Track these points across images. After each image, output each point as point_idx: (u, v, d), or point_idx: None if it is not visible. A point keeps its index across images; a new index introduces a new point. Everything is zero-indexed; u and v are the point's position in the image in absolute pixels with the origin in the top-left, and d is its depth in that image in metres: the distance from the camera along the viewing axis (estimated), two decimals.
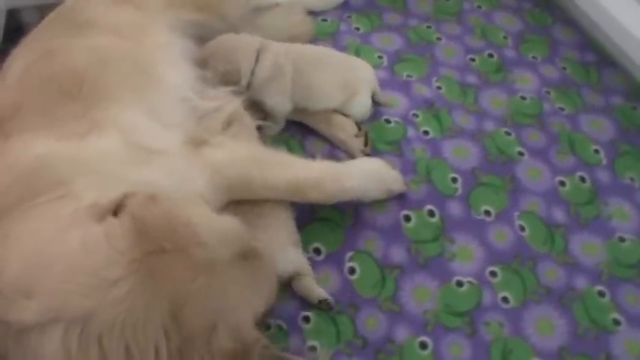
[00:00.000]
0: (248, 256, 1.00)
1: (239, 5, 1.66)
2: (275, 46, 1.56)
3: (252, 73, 1.52)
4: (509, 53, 1.86)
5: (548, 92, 1.75)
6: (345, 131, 1.57)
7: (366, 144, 1.56)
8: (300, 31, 1.77)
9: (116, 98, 1.26)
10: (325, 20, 1.93)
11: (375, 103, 1.65)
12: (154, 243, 0.90)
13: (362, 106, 1.60)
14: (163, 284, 0.88)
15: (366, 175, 1.40)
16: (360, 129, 1.57)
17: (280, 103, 1.54)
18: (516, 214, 1.47)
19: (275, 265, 1.15)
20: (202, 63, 1.52)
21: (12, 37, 1.43)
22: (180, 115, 1.34)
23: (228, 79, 1.50)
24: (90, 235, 0.93)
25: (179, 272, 0.89)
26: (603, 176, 1.56)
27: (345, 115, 1.60)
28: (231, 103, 1.41)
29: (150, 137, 1.21)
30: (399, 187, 1.45)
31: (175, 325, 0.87)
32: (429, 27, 1.93)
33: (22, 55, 1.34)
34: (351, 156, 1.54)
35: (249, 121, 1.42)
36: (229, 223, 1.01)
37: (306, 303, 1.28)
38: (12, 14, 1.70)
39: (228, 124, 1.38)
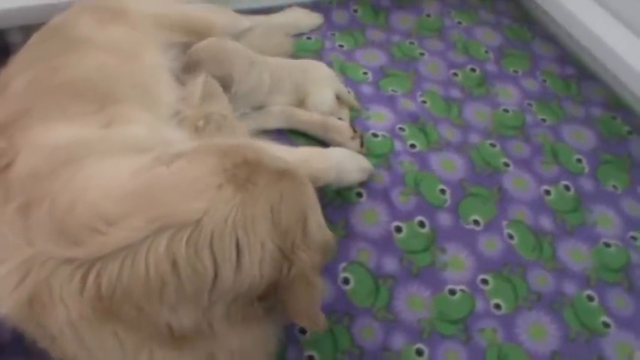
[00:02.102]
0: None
1: (225, 31, 1.69)
2: (261, 58, 1.61)
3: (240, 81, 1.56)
4: (491, 67, 1.91)
5: (530, 104, 1.79)
6: (342, 134, 1.61)
7: (362, 145, 1.59)
8: (279, 51, 1.79)
9: (128, 103, 1.28)
10: (309, 38, 1.96)
11: (341, 101, 1.71)
12: (236, 155, 0.95)
13: (318, 105, 1.67)
14: (257, 186, 0.93)
15: (342, 155, 1.50)
16: (355, 131, 1.60)
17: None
18: (505, 222, 1.50)
19: None
20: (192, 66, 1.53)
21: None
22: (175, 128, 1.36)
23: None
24: (172, 165, 0.95)
25: (265, 176, 0.95)
26: (587, 184, 1.60)
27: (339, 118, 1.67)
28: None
29: (167, 133, 1.24)
30: (367, 165, 1.54)
31: (275, 223, 0.92)
32: (411, 43, 1.96)
33: (18, 71, 1.33)
34: None
35: (241, 127, 1.46)
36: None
37: None
38: None
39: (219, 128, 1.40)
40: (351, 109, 1.73)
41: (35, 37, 1.46)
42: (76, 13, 1.50)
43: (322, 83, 1.71)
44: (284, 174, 0.98)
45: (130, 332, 0.90)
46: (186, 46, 1.58)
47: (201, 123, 1.38)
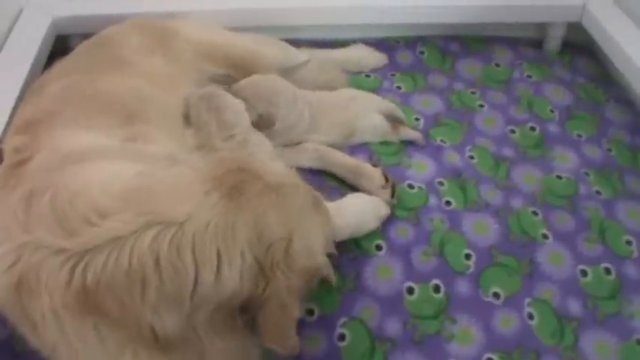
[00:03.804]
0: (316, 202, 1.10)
1: (276, 65, 1.68)
2: (302, 93, 1.61)
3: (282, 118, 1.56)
4: (553, 128, 1.79)
5: (587, 174, 1.67)
6: (373, 182, 1.56)
7: (392, 195, 1.54)
8: (331, 87, 1.77)
9: (155, 127, 1.32)
10: (368, 76, 1.93)
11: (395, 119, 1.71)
12: (232, 163, 0.99)
13: (370, 135, 1.70)
14: (245, 196, 0.94)
15: (360, 207, 1.46)
16: (387, 180, 1.55)
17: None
18: (527, 300, 1.40)
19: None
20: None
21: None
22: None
23: (261, 121, 1.54)
24: (171, 170, 1.00)
25: (256, 187, 0.96)
26: (631, 271, 1.47)
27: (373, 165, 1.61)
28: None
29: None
30: (385, 212, 1.49)
31: (256, 234, 0.93)
32: (473, 93, 1.89)
33: (58, 76, 1.40)
34: None
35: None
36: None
37: None
38: (60, 39, 1.82)
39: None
40: (402, 123, 1.72)
41: (83, 46, 1.53)
42: (128, 29, 1.56)
43: (367, 111, 1.69)
44: (279, 188, 0.99)
45: (113, 329, 0.91)
46: (226, 77, 1.59)
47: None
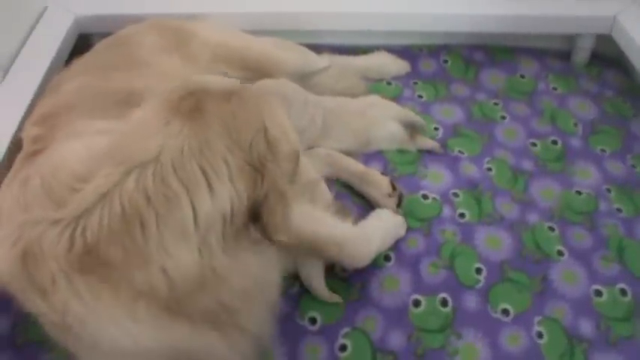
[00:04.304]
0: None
1: (295, 71, 1.67)
2: (317, 99, 1.60)
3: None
4: (576, 142, 1.75)
5: (608, 190, 1.62)
6: (380, 190, 1.54)
7: (399, 204, 1.52)
8: (349, 94, 1.75)
9: None
10: (389, 84, 1.91)
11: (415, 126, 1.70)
12: (181, 90, 0.99)
13: (387, 143, 1.68)
14: (205, 112, 0.95)
15: (384, 233, 1.43)
16: (395, 188, 1.53)
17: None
18: (537, 318, 1.36)
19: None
20: None
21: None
22: None
23: None
24: (130, 119, 1.01)
25: (211, 101, 0.97)
26: None
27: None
28: None
29: None
30: (404, 230, 1.49)
31: (232, 139, 0.94)
32: (496, 104, 1.85)
33: (76, 74, 1.42)
34: None
35: None
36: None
37: None
38: (83, 38, 1.85)
39: None
40: (422, 129, 1.70)
41: (101, 45, 1.54)
42: (147, 29, 1.56)
43: (384, 119, 1.67)
44: (232, 93, 1.00)
45: (123, 282, 0.91)
46: (243, 79, 1.58)
47: None
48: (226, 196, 0.93)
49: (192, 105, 0.96)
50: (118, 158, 0.93)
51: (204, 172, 0.92)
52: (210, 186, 0.92)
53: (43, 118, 1.26)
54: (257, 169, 0.95)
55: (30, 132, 1.23)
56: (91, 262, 0.90)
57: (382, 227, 1.44)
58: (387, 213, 1.48)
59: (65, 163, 0.99)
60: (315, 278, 1.33)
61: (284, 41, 1.76)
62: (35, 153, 1.15)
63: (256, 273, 1.03)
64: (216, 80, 1.05)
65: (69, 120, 1.22)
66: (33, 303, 0.96)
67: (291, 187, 1.00)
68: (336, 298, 1.34)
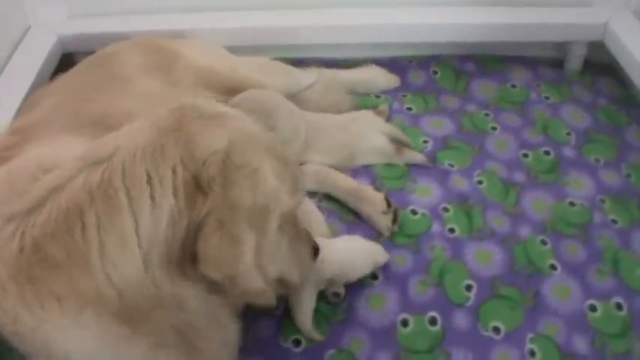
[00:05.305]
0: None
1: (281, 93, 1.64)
2: (298, 110, 1.59)
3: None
4: (569, 152, 1.71)
5: (602, 201, 1.58)
6: (374, 207, 1.51)
7: (394, 221, 1.48)
8: (335, 110, 1.72)
9: None
10: (378, 97, 1.87)
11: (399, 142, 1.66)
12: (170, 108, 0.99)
13: (372, 157, 1.65)
14: (177, 125, 0.94)
15: (350, 250, 1.36)
16: (389, 205, 1.49)
17: None
18: (530, 336, 1.32)
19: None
20: None
21: None
22: None
23: None
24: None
25: (192, 115, 0.96)
26: None
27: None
28: None
29: None
30: (384, 258, 1.40)
31: (188, 152, 0.91)
32: (486, 115, 1.82)
33: (55, 92, 1.41)
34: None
35: None
36: None
37: None
38: (67, 57, 1.84)
39: None
40: (407, 147, 1.66)
41: (84, 63, 1.54)
42: (130, 47, 1.55)
43: (369, 132, 1.65)
44: (218, 115, 0.99)
45: (69, 288, 0.89)
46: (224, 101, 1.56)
47: None
48: (166, 209, 0.89)
49: (172, 120, 0.95)
50: (81, 154, 0.93)
51: (149, 180, 0.89)
52: (152, 196, 0.89)
53: (16, 130, 1.26)
54: (201, 187, 0.91)
55: (1, 141, 1.22)
56: (39, 264, 0.88)
57: (350, 244, 1.39)
58: (360, 239, 1.42)
59: (41, 156, 1.00)
60: (303, 314, 1.28)
61: (271, 62, 1.75)
62: (4, 159, 1.13)
63: (204, 311, 0.99)
64: (208, 104, 1.03)
65: (42, 133, 1.21)
66: None
67: (240, 224, 0.93)
68: (317, 337, 1.29)
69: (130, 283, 0.89)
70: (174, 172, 0.90)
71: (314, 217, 1.43)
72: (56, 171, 0.92)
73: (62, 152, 0.98)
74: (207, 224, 0.90)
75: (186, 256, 0.91)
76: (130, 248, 0.88)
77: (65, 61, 1.82)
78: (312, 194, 1.53)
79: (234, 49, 1.76)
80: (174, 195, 0.89)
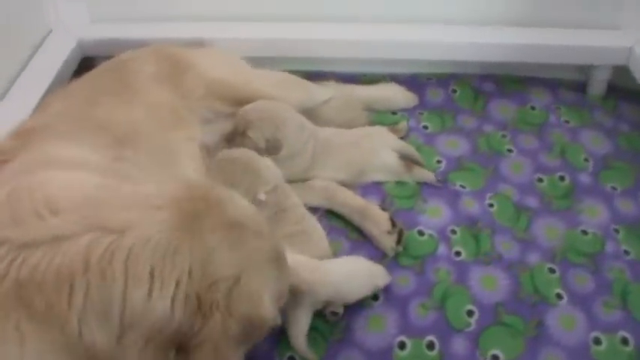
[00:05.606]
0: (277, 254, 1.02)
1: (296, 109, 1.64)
2: (310, 125, 1.58)
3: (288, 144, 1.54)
4: (585, 179, 1.67)
5: (616, 230, 1.54)
6: (378, 226, 1.49)
7: (399, 241, 1.46)
8: (351, 126, 1.71)
9: (145, 156, 1.32)
10: (394, 114, 1.86)
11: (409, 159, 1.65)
12: (197, 191, 0.96)
13: (382, 174, 1.63)
14: (199, 225, 0.91)
15: (350, 272, 1.34)
16: (394, 225, 1.48)
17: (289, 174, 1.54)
18: None
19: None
20: (243, 125, 1.52)
21: None
22: None
23: (269, 146, 1.52)
24: (137, 184, 1.00)
25: (214, 220, 0.93)
26: None
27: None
28: None
29: None
30: (384, 280, 1.37)
31: (201, 268, 0.89)
32: (503, 136, 1.79)
33: (66, 96, 1.43)
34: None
35: None
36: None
37: None
38: (87, 60, 1.86)
39: None
40: (419, 165, 1.64)
41: (99, 68, 1.56)
42: (145, 55, 1.57)
43: (380, 149, 1.63)
44: (240, 228, 0.95)
45: (36, 331, 0.87)
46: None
47: None
48: (159, 312, 0.86)
49: (193, 210, 0.92)
50: (91, 212, 0.90)
51: (151, 276, 0.86)
52: (149, 292, 0.86)
53: (20, 133, 1.26)
54: (202, 310, 0.89)
55: (2, 144, 1.23)
56: (15, 297, 0.86)
57: (349, 265, 1.37)
58: (361, 259, 1.40)
59: (47, 188, 0.97)
60: (298, 333, 1.27)
61: (287, 76, 1.74)
62: (4, 162, 1.14)
63: None
64: (237, 204, 1.00)
65: (41, 139, 1.21)
66: None
67: (233, 351, 0.93)
68: (312, 356, 1.27)
69: (99, 349, 0.87)
70: (177, 284, 0.87)
71: (316, 233, 1.42)
72: (60, 219, 0.90)
73: (75, 193, 0.96)
74: (202, 348, 0.89)
75: (165, 348, 0.89)
76: (110, 320, 0.86)
77: (85, 64, 1.84)
78: (314, 210, 1.51)
79: (254, 60, 1.76)
80: (171, 304, 0.87)
